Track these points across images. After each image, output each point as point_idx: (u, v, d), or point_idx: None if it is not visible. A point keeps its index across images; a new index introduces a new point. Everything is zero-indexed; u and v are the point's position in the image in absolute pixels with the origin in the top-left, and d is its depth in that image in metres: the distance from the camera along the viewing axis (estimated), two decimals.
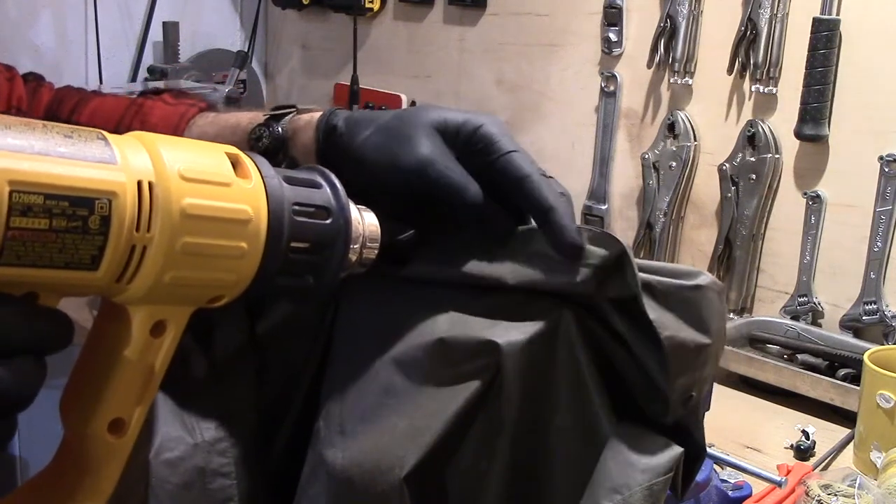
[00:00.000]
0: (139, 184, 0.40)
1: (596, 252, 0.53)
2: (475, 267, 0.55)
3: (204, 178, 0.42)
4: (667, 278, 0.54)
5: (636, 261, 0.54)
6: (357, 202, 0.56)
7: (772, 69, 1.44)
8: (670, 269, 0.55)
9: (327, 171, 0.50)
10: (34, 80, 0.80)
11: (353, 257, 0.49)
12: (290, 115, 0.63)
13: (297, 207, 0.46)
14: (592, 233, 0.54)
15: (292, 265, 0.46)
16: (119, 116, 0.73)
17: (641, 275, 0.53)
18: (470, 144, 0.56)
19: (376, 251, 0.51)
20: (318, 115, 0.61)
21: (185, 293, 0.43)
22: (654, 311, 0.52)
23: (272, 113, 0.63)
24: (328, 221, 0.48)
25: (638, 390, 0.56)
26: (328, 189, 0.49)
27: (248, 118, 0.65)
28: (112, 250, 0.39)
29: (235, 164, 0.45)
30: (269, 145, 0.62)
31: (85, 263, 0.39)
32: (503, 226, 0.56)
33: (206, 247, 0.42)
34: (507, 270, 0.54)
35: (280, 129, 0.62)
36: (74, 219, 0.38)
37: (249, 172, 0.45)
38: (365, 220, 0.50)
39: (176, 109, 0.72)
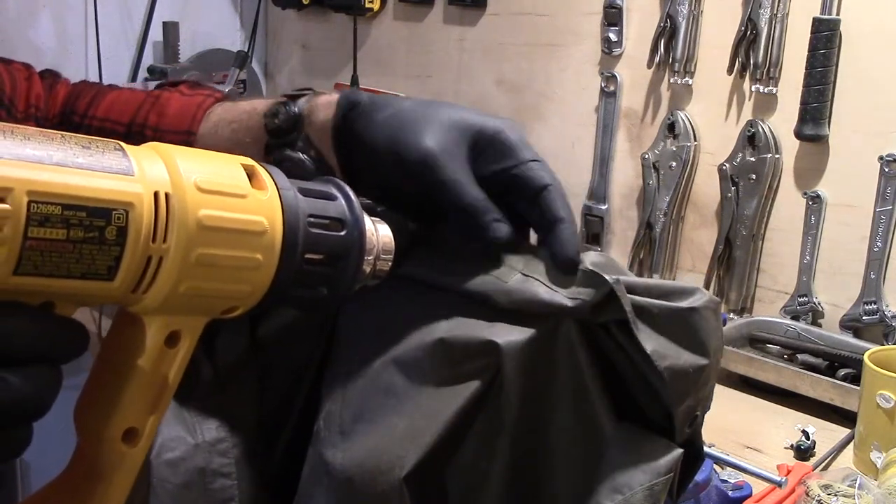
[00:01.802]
0: (156, 195, 0.40)
1: (586, 291, 0.53)
2: (469, 283, 0.55)
3: (220, 190, 0.42)
4: (662, 301, 0.53)
5: (629, 279, 0.54)
6: (367, 193, 0.56)
7: (772, 69, 1.44)
8: (665, 287, 0.55)
9: (342, 182, 0.50)
10: (50, 76, 0.80)
11: (367, 269, 0.49)
12: (308, 96, 0.63)
13: (311, 219, 0.46)
14: (581, 272, 0.54)
15: (306, 276, 0.46)
16: (135, 109, 0.73)
17: (637, 298, 0.53)
18: (487, 148, 0.56)
19: (390, 263, 0.51)
20: (336, 95, 0.61)
21: (199, 304, 0.43)
22: (651, 339, 0.52)
23: (290, 94, 0.64)
24: (343, 233, 0.48)
25: (642, 402, 0.55)
26: (343, 201, 0.49)
27: (265, 102, 0.65)
28: (128, 261, 0.39)
29: (251, 175, 0.45)
30: (284, 123, 0.62)
31: (101, 274, 0.39)
32: (498, 238, 0.55)
33: (221, 258, 0.42)
34: (501, 291, 0.54)
35: (296, 107, 0.62)
36: (91, 229, 0.38)
37: (265, 184, 0.45)
38: (379, 233, 0.50)
39: (193, 100, 0.71)
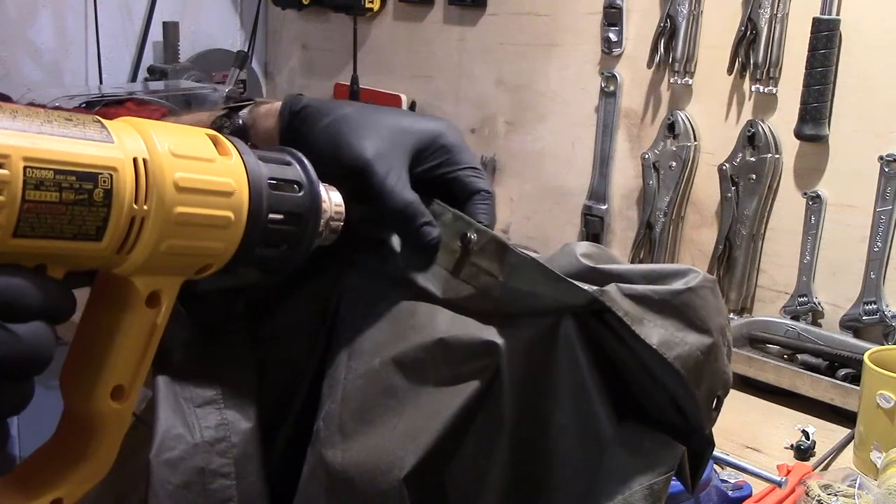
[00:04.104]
0: (135, 160, 0.43)
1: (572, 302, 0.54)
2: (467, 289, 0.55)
3: (191, 155, 0.46)
4: (660, 286, 0.53)
5: (624, 268, 0.53)
6: None
7: (772, 69, 1.44)
8: (659, 272, 0.55)
9: (296, 151, 0.54)
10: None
11: (322, 229, 0.53)
12: (250, 107, 0.66)
13: (272, 181, 0.50)
14: (566, 283, 0.54)
15: (271, 235, 0.50)
16: None
17: (636, 287, 0.52)
18: (427, 152, 0.59)
19: (341, 224, 0.55)
20: (278, 104, 0.64)
21: (178, 262, 0.47)
22: (655, 329, 0.52)
23: (232, 105, 0.67)
24: (300, 194, 0.52)
25: (647, 396, 0.55)
26: (298, 166, 0.53)
27: (209, 114, 0.68)
28: (115, 221, 0.42)
29: (216, 143, 0.49)
30: (230, 133, 0.64)
31: (90, 234, 0.42)
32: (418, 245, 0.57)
33: (196, 216, 0.46)
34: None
35: (240, 119, 0.66)
36: (81, 192, 0.41)
37: (229, 150, 0.49)
38: (331, 195, 0.55)
39: (139, 114, 0.75)
